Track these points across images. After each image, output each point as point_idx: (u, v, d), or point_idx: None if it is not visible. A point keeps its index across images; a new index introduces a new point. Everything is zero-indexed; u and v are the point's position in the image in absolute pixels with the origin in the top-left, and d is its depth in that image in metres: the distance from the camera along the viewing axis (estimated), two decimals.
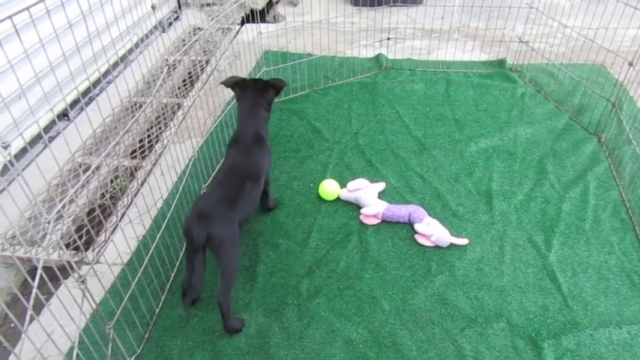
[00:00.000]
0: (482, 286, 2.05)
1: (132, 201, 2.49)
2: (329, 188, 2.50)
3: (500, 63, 3.58)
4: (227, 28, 4.37)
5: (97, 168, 2.73)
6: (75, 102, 3.15)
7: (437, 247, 2.23)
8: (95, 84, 3.35)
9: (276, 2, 4.94)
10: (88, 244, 2.31)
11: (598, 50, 3.06)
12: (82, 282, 1.46)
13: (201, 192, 2.30)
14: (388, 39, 3.68)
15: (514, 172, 2.63)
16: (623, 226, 2.31)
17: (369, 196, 2.42)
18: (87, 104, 3.21)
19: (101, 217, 1.90)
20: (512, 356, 1.80)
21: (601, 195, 2.48)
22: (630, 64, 2.64)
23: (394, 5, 3.83)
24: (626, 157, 2.63)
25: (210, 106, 3.19)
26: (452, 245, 2.22)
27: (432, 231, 2.23)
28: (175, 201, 2.22)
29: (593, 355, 1.80)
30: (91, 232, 1.97)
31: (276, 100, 3.26)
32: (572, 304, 1.97)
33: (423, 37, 4.02)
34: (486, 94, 3.27)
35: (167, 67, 2.18)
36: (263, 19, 4.62)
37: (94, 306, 1.54)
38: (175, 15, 4.45)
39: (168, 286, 2.08)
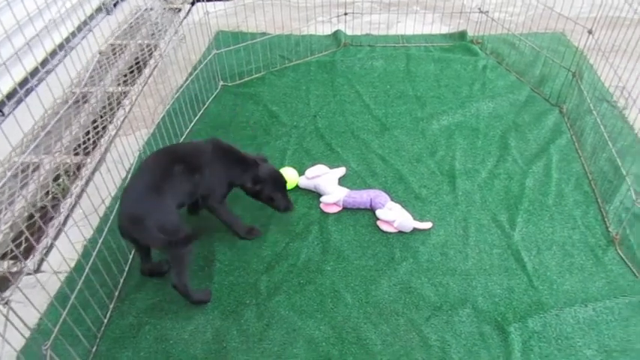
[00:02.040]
0: (446, 272, 1.99)
1: (75, 202, 2.32)
2: (286, 177, 2.37)
3: (461, 35, 3.48)
4: (176, 9, 4.12)
5: (37, 168, 2.53)
6: (9, 96, 2.89)
7: (400, 232, 2.15)
8: (32, 74, 3.10)
9: None
10: (29, 251, 2.14)
11: (557, 18, 3.00)
12: (6, 304, 1.31)
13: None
14: (345, 14, 3.52)
15: (477, 149, 2.57)
16: (586, 199, 2.28)
17: (328, 184, 2.31)
18: (24, 97, 2.96)
19: (40, 222, 1.73)
20: (478, 343, 1.75)
21: (564, 168, 2.44)
22: (590, 31, 2.57)
23: None
24: (587, 127, 2.60)
25: (161, 94, 2.99)
26: (415, 230, 2.15)
27: (394, 217, 2.14)
28: (119, 202, 2.06)
29: (559, 336, 1.76)
30: (31, 239, 1.81)
31: (230, 83, 3.12)
32: (537, 284, 1.93)
33: (381, 10, 3.87)
34: (447, 68, 3.18)
35: (99, 54, 1.98)
36: None
37: (27, 333, 1.40)
38: None
39: (116, 294, 1.94)
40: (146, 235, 1.73)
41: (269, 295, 1.92)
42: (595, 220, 2.18)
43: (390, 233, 2.15)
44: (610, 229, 2.13)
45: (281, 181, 2.10)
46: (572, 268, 1.99)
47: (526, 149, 2.56)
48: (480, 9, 3.43)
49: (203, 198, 2.02)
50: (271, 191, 2.07)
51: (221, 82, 3.11)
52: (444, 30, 3.61)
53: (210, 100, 2.98)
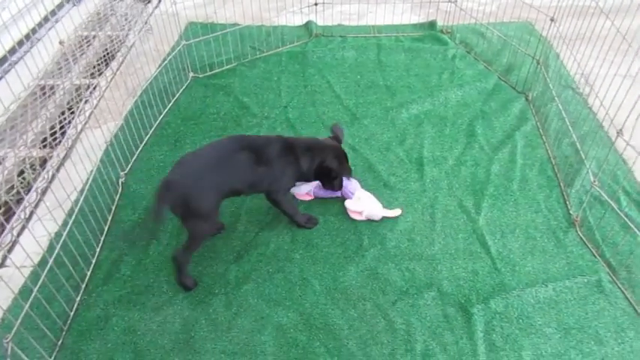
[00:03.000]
0: (413, 257, 2.02)
1: (40, 197, 2.28)
2: None
3: (431, 25, 3.51)
4: (146, 0, 4.05)
5: (0, 162, 2.47)
6: None
7: (369, 220, 2.17)
8: None
9: None
10: None
11: (521, 6, 3.05)
12: None
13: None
14: (316, 4, 3.52)
15: (445, 137, 2.60)
16: (549, 183, 2.34)
17: None
18: None
19: (1, 219, 1.71)
20: (443, 325, 1.79)
21: (528, 154, 2.50)
22: (552, 19, 2.62)
23: None
24: (551, 113, 2.66)
25: (129, 86, 2.95)
26: (384, 218, 2.18)
27: (362, 207, 2.16)
28: (85, 193, 2.04)
29: (520, 316, 1.82)
30: None
31: (200, 75, 3.10)
32: (500, 267, 1.98)
33: (353, 1, 3.87)
34: (417, 57, 3.21)
35: (60, 44, 1.95)
36: None
37: None
38: None
39: (83, 286, 1.92)
40: (179, 209, 1.80)
41: (238, 284, 1.93)
42: (557, 203, 2.24)
43: (359, 221, 2.17)
44: (571, 212, 2.19)
45: (345, 158, 2.11)
46: (535, 251, 2.05)
47: (492, 136, 2.60)
48: None
49: (268, 191, 2.03)
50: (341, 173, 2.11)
51: (191, 74, 3.09)
52: (415, 20, 3.63)
53: (180, 91, 2.96)
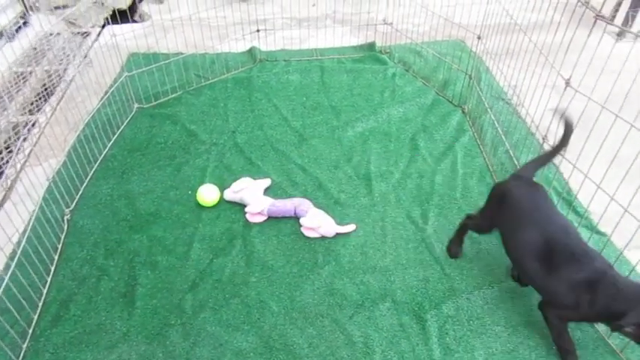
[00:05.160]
0: (367, 270, 2.08)
1: None
2: (207, 193, 2.38)
3: (371, 46, 3.66)
4: (85, 33, 3.99)
5: None
6: None
7: (323, 237, 2.22)
8: None
9: (140, 0, 4.61)
10: None
11: (451, 26, 3.25)
12: None
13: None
14: (258, 31, 3.59)
15: (390, 152, 2.71)
16: (488, 189, 2.46)
17: (253, 195, 2.34)
18: None
19: None
20: (399, 334, 1.85)
21: (468, 163, 2.64)
22: (479, 37, 2.82)
23: None
24: (485, 124, 2.83)
25: (70, 121, 2.89)
26: (338, 234, 2.23)
27: (318, 223, 2.21)
28: (27, 233, 1.97)
29: (471, 317, 1.90)
30: None
31: (145, 105, 3.08)
32: (449, 272, 2.07)
33: (295, 26, 3.98)
34: (359, 78, 3.33)
35: None
36: (128, 20, 4.27)
37: None
38: (22, 20, 3.97)
39: (30, 331, 1.84)
40: None
41: (194, 313, 1.91)
42: None
43: (313, 239, 2.21)
44: None
45: None
46: (480, 254, 2.16)
47: (434, 149, 2.74)
48: (384, 21, 3.64)
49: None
50: None
51: (136, 105, 3.06)
52: (354, 42, 3.78)
53: (125, 123, 2.92)
